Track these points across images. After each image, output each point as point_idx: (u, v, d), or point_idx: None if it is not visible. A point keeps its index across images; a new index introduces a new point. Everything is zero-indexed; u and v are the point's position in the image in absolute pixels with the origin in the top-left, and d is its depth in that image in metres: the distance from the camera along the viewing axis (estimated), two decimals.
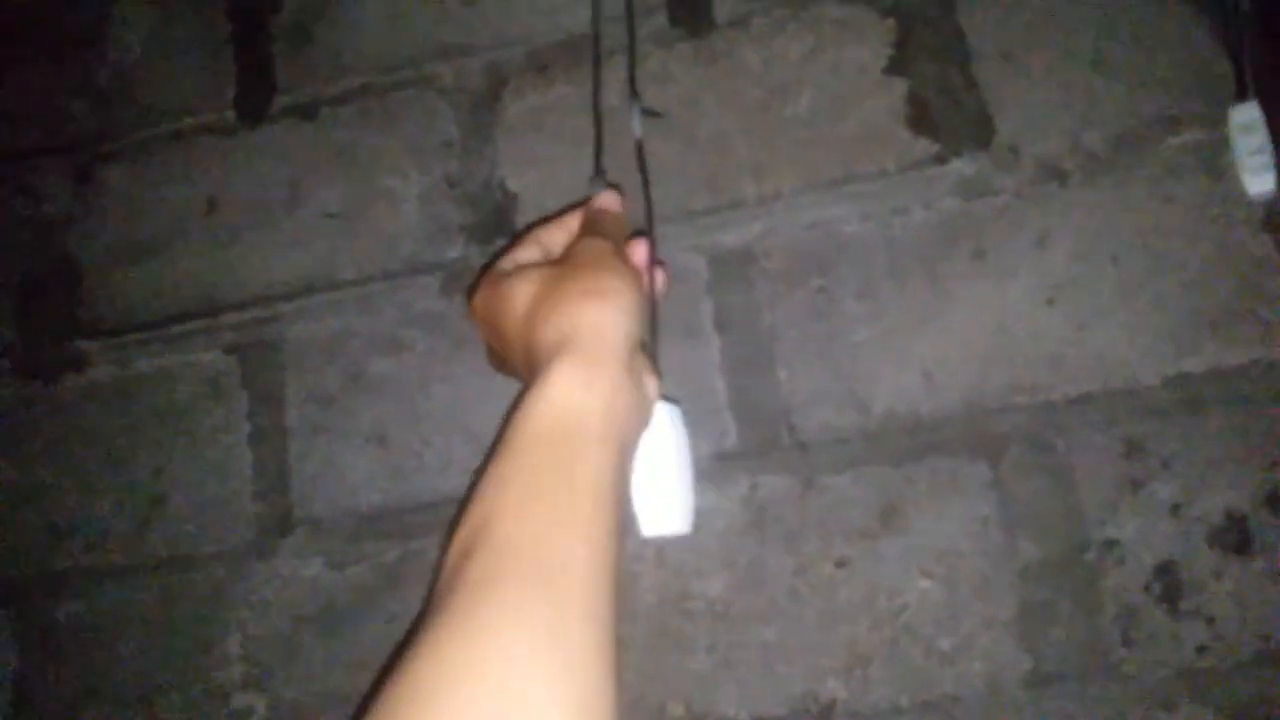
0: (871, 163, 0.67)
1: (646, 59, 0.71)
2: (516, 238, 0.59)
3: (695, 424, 0.66)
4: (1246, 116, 0.60)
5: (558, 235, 0.58)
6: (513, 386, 0.69)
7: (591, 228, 0.56)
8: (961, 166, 0.66)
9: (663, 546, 0.66)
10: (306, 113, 0.78)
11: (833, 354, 0.66)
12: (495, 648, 0.38)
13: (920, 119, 0.67)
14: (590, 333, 0.47)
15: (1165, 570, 0.60)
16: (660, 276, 0.56)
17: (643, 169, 0.61)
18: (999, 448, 0.63)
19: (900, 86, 0.68)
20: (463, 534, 0.43)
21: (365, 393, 0.72)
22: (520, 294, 0.51)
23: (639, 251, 0.55)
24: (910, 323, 0.65)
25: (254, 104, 0.79)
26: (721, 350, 0.68)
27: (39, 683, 0.73)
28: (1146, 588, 0.60)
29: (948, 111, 0.67)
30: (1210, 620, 0.59)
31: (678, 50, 0.72)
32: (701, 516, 0.66)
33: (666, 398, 0.52)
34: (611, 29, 0.73)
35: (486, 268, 0.56)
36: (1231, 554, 0.59)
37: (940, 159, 0.66)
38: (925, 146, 0.67)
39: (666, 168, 0.69)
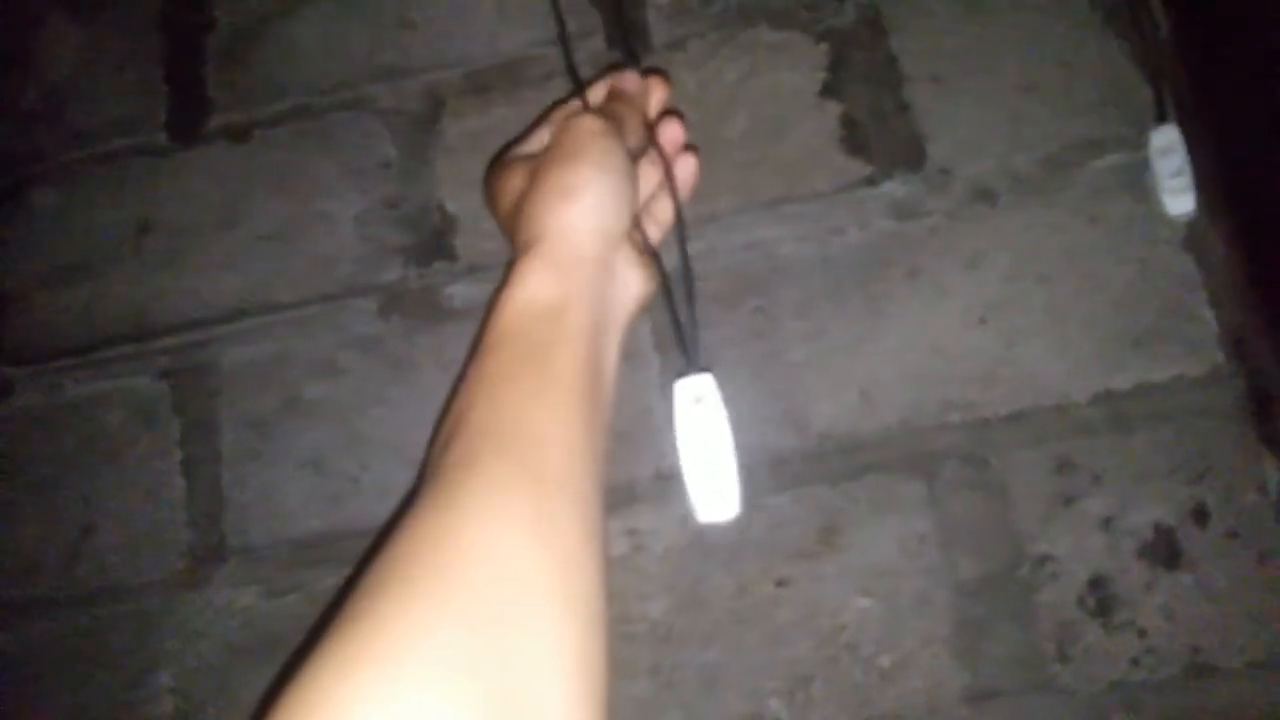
0: (807, 184, 0.68)
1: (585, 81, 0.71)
2: (542, 117, 0.60)
3: (634, 446, 0.67)
4: (1166, 139, 0.62)
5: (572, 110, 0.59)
6: None
7: (603, 107, 0.56)
8: (894, 188, 0.67)
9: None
10: (240, 134, 0.77)
11: (771, 374, 0.66)
12: (478, 522, 0.38)
13: (854, 142, 0.68)
14: (558, 233, 0.49)
15: (1098, 584, 0.61)
16: (688, 164, 0.57)
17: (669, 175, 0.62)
18: (934, 466, 0.64)
19: (834, 110, 0.69)
20: (441, 430, 0.44)
21: (301, 417, 0.71)
22: (508, 188, 0.53)
23: (666, 132, 0.57)
24: (847, 342, 0.66)
25: (187, 125, 0.78)
26: (660, 371, 0.68)
27: None
28: (1080, 601, 0.61)
29: (880, 134, 0.68)
30: (1142, 633, 0.60)
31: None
32: (641, 538, 0.66)
33: (701, 369, 0.53)
34: (550, 51, 0.74)
35: (504, 151, 0.58)
36: (1161, 567, 0.60)
37: (873, 181, 0.67)
38: (859, 168, 0.68)
39: None
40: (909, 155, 0.67)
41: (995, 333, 0.64)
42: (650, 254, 0.55)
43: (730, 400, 0.64)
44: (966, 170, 0.66)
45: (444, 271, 0.72)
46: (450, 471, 0.41)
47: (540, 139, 0.57)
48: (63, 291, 0.75)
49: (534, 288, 0.47)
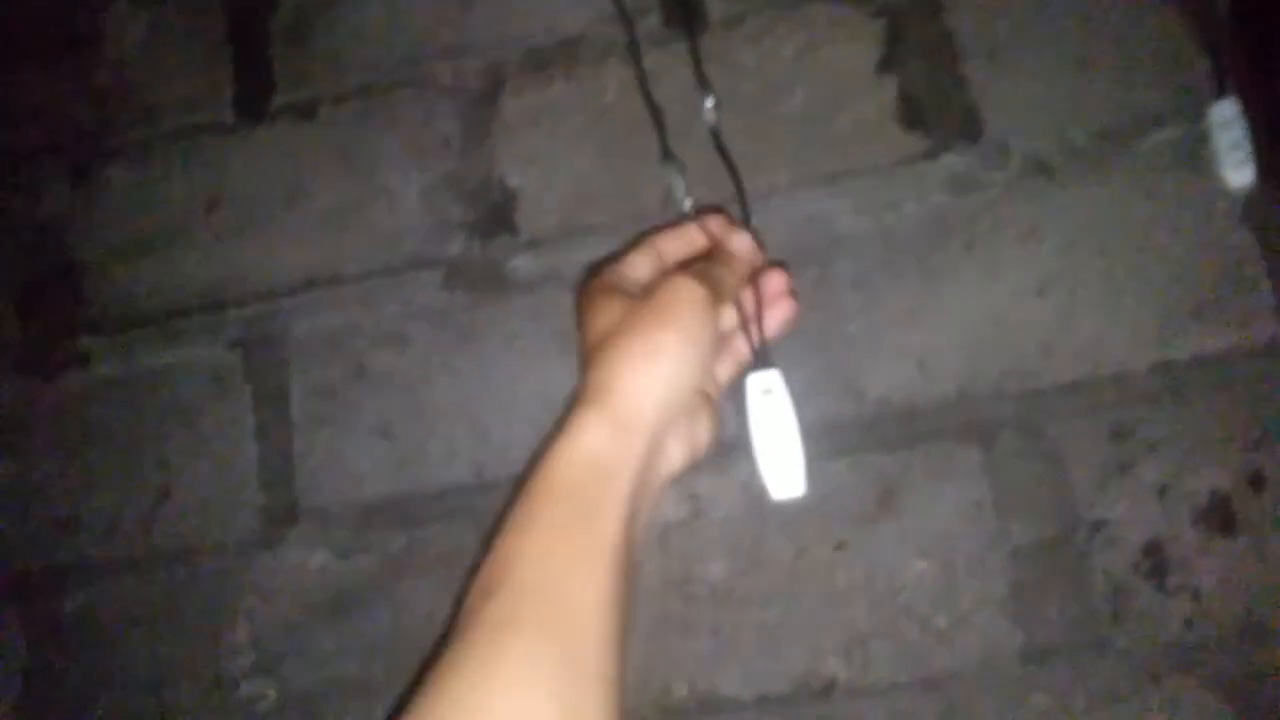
0: (864, 158, 0.69)
1: (643, 59, 0.73)
2: (637, 239, 0.61)
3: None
4: (1226, 113, 0.63)
5: (675, 246, 0.60)
6: (513, 378, 0.71)
7: (704, 258, 0.57)
8: (952, 162, 0.68)
9: (665, 533, 0.67)
10: (305, 112, 0.79)
11: (828, 344, 0.68)
12: (508, 700, 0.41)
13: (911, 116, 0.69)
14: (627, 393, 0.49)
15: (1153, 549, 0.62)
16: (782, 309, 0.58)
17: (725, 157, 0.65)
18: (991, 434, 0.65)
19: (891, 84, 0.70)
20: (485, 574, 0.45)
21: (369, 386, 0.74)
22: (600, 321, 0.53)
23: (770, 282, 0.58)
24: (904, 314, 0.67)
25: (253, 103, 0.80)
26: None
27: (49, 676, 0.73)
28: (1135, 566, 0.62)
29: (937, 109, 0.69)
30: (1196, 596, 0.61)
31: (673, 50, 0.74)
32: (701, 503, 0.68)
33: (769, 364, 0.58)
34: (608, 29, 0.75)
35: (600, 264, 0.60)
36: (1216, 532, 0.61)
37: (931, 155, 0.68)
38: (916, 143, 0.69)
39: (659, 166, 0.71)
40: (966, 129, 0.68)
41: (1052, 304, 0.65)
42: (715, 405, 0.57)
43: (788, 370, 0.66)
44: (1023, 144, 0.67)
45: (506, 245, 0.74)
46: (490, 634, 0.42)
47: (641, 266, 0.58)
48: (137, 264, 0.78)
49: (591, 443, 0.48)
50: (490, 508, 0.69)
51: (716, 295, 0.54)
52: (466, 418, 0.72)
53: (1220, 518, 0.62)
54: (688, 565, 0.67)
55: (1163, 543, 0.62)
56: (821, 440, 0.67)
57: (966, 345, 0.66)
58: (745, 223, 0.64)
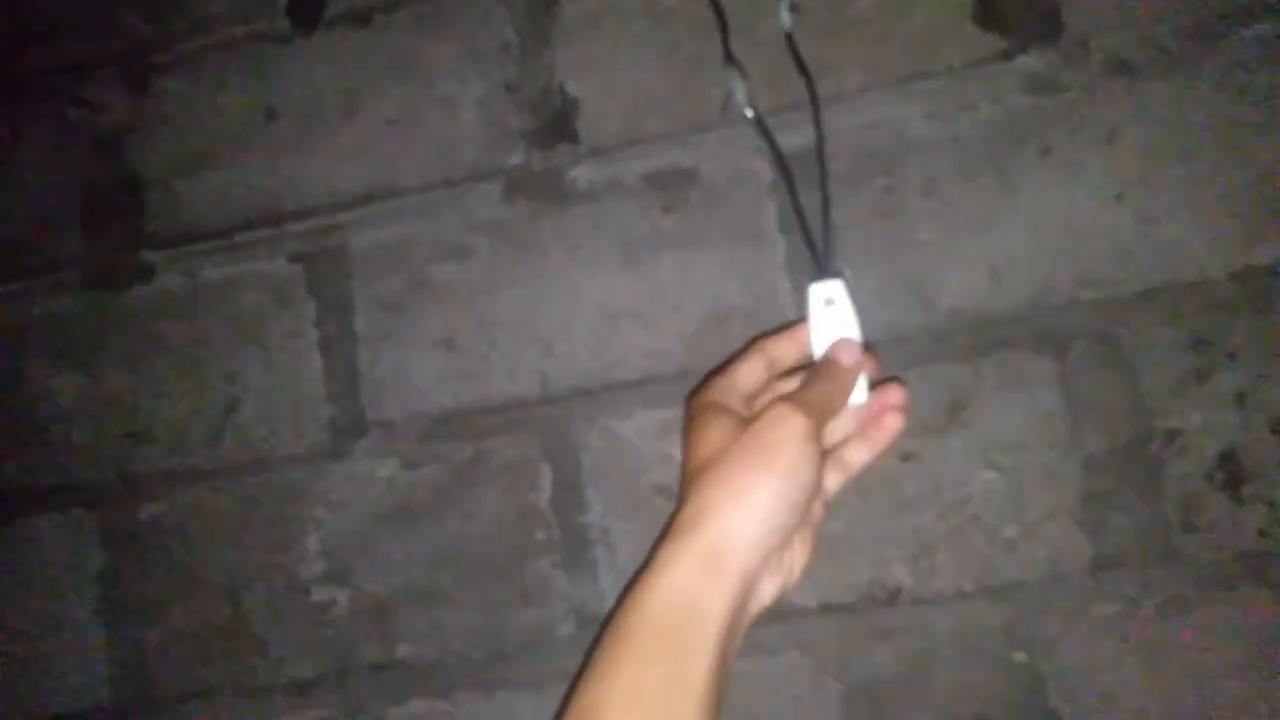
0: (937, 60, 0.67)
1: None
2: (748, 344, 0.59)
3: (761, 325, 0.68)
4: None
5: (787, 349, 0.59)
6: (575, 288, 0.71)
7: (814, 393, 0.54)
8: (1029, 62, 0.66)
9: None
10: (360, 19, 0.77)
11: (898, 253, 0.67)
12: None
13: (987, 14, 0.67)
14: (722, 533, 0.48)
15: (1227, 459, 0.61)
16: (896, 422, 0.57)
17: (802, 68, 0.64)
18: (1065, 343, 0.64)
19: None
20: (577, 708, 0.45)
21: (431, 298, 0.74)
22: (702, 443, 0.52)
23: (887, 395, 0.57)
24: (976, 221, 0.66)
25: (307, 11, 0.78)
26: (786, 252, 0.68)
27: (126, 580, 0.76)
28: (1209, 476, 0.61)
29: (1015, 7, 0.66)
30: (1271, 505, 0.60)
31: None
32: None
33: (833, 273, 0.58)
34: None
35: (710, 374, 0.58)
36: None
37: (1007, 55, 0.66)
38: (992, 42, 0.66)
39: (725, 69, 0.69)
40: (1045, 27, 0.65)
41: (1131, 209, 0.63)
42: (815, 529, 0.55)
43: (857, 278, 0.65)
44: (1105, 42, 0.65)
45: (567, 154, 0.72)
46: None
47: (751, 376, 0.57)
48: (196, 177, 0.78)
49: (681, 581, 0.47)
50: (553, 419, 0.70)
51: (821, 418, 0.52)
52: (529, 329, 0.72)
53: None
54: None
55: (1238, 452, 0.61)
56: (891, 350, 0.66)
57: (1041, 253, 0.65)
58: (818, 134, 0.62)
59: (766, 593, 0.51)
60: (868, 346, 0.57)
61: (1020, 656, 0.64)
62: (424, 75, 0.75)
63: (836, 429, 0.57)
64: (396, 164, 0.75)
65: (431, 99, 0.75)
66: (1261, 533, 0.61)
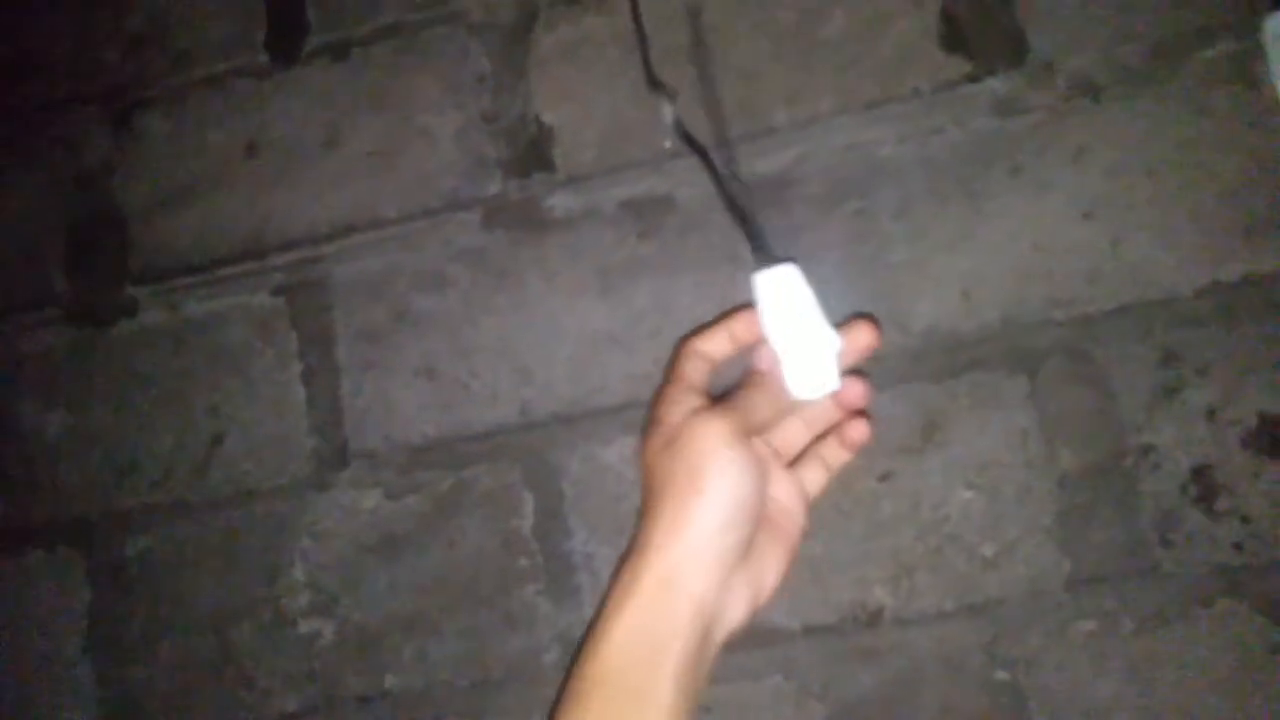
0: (906, 84, 0.68)
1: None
2: (677, 355, 0.57)
3: None
4: None
5: (720, 344, 0.56)
6: (553, 315, 0.71)
7: (735, 399, 0.52)
8: (996, 85, 0.66)
9: None
10: (339, 53, 0.78)
11: (872, 275, 0.67)
12: None
13: (953, 38, 0.68)
14: (666, 566, 0.48)
15: (1201, 473, 0.62)
16: (859, 429, 0.55)
17: (694, 145, 0.62)
18: (1037, 361, 0.64)
19: (933, 6, 0.68)
20: None
21: (412, 328, 0.74)
22: (647, 472, 0.51)
23: (848, 394, 0.54)
24: (948, 241, 0.66)
25: (286, 46, 0.79)
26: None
27: (114, 618, 0.76)
28: (1183, 489, 0.62)
29: (981, 30, 0.67)
30: (1246, 519, 0.61)
31: None
32: None
33: (783, 259, 0.54)
34: None
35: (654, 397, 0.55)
36: (1266, 455, 0.61)
37: (974, 78, 0.67)
38: (959, 66, 0.67)
39: (700, 95, 0.70)
40: (1010, 50, 0.66)
41: (1100, 228, 0.64)
42: (788, 534, 0.54)
43: (832, 302, 0.66)
44: (1070, 64, 0.65)
45: (544, 182, 0.73)
46: None
47: (684, 400, 0.53)
48: (179, 213, 0.78)
49: (635, 618, 0.47)
50: (534, 446, 0.71)
51: (744, 420, 0.50)
52: (509, 357, 0.72)
53: (1269, 440, 0.61)
54: None
55: (1211, 466, 0.62)
56: (867, 371, 0.67)
57: (1012, 272, 0.65)
58: (726, 185, 0.61)
59: (735, 613, 0.50)
60: (866, 323, 0.55)
61: (1003, 675, 0.64)
62: (402, 107, 0.76)
63: (818, 419, 0.57)
64: (376, 195, 0.76)
65: (410, 131, 0.76)
66: (1237, 546, 0.61)
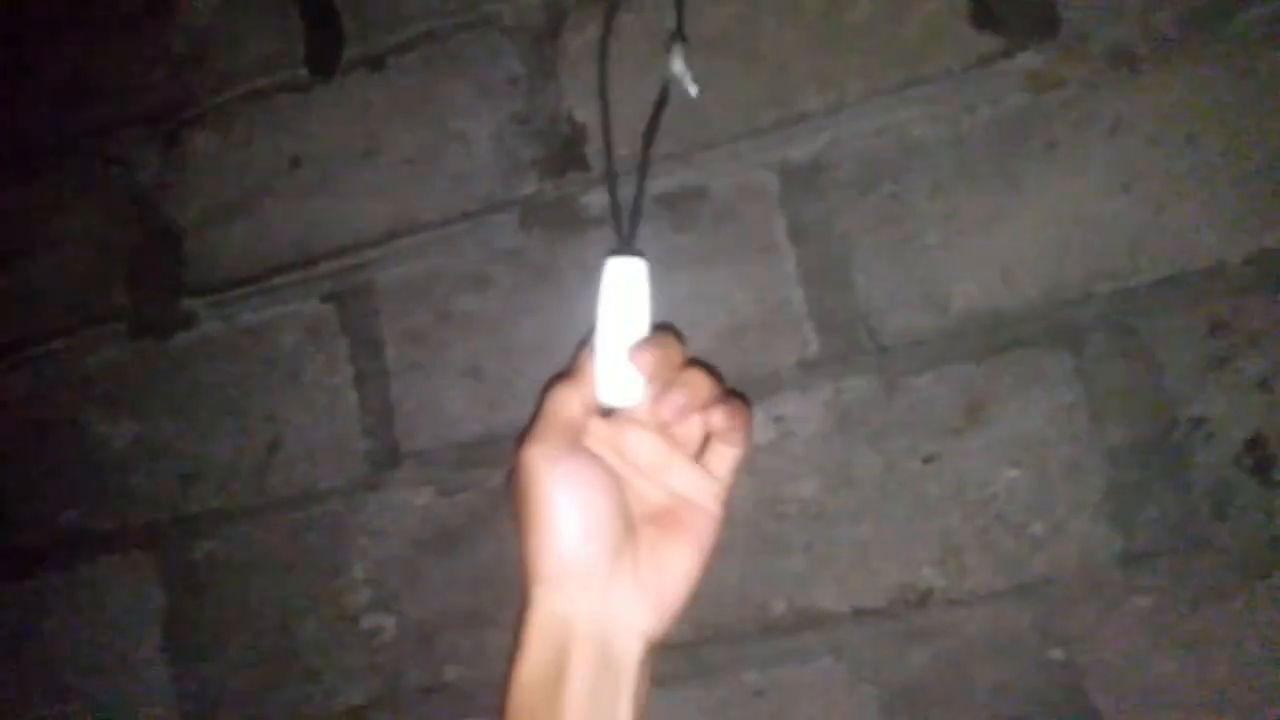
0: (936, 63, 0.67)
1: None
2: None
3: (776, 335, 0.69)
4: None
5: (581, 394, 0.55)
6: (592, 312, 0.72)
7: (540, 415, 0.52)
8: (1028, 59, 0.66)
9: (753, 456, 0.68)
10: (374, 64, 0.80)
11: (908, 257, 0.67)
12: None
13: (983, 15, 0.67)
14: (538, 592, 0.49)
15: (1256, 443, 0.61)
16: (719, 417, 0.53)
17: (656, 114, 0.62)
18: (1081, 337, 0.64)
19: None
20: None
21: (456, 329, 0.76)
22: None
23: (662, 406, 0.51)
24: (984, 220, 0.66)
25: (324, 59, 0.81)
26: (797, 261, 0.69)
27: (185, 618, 0.79)
28: (1237, 461, 0.61)
29: (1011, 4, 0.66)
30: None
31: None
32: (788, 424, 0.68)
33: (631, 253, 0.53)
34: None
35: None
36: None
37: (1006, 53, 0.66)
38: (989, 42, 0.66)
39: (729, 86, 0.70)
40: (1042, 23, 0.65)
41: (1141, 199, 0.63)
42: (691, 509, 0.53)
43: (868, 286, 0.66)
44: (1104, 34, 0.64)
45: (578, 181, 0.74)
46: None
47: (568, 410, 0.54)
48: (230, 226, 0.81)
49: (529, 655, 0.48)
50: None
51: (562, 433, 0.51)
52: (550, 354, 0.73)
53: None
54: (777, 485, 0.68)
55: (1266, 436, 0.61)
56: (906, 354, 0.67)
57: (1051, 248, 0.64)
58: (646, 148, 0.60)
59: (636, 620, 0.50)
60: (662, 339, 0.54)
61: (1057, 654, 0.63)
62: (438, 113, 0.78)
63: (692, 425, 0.55)
64: (416, 201, 0.77)
65: (446, 136, 0.77)
66: None
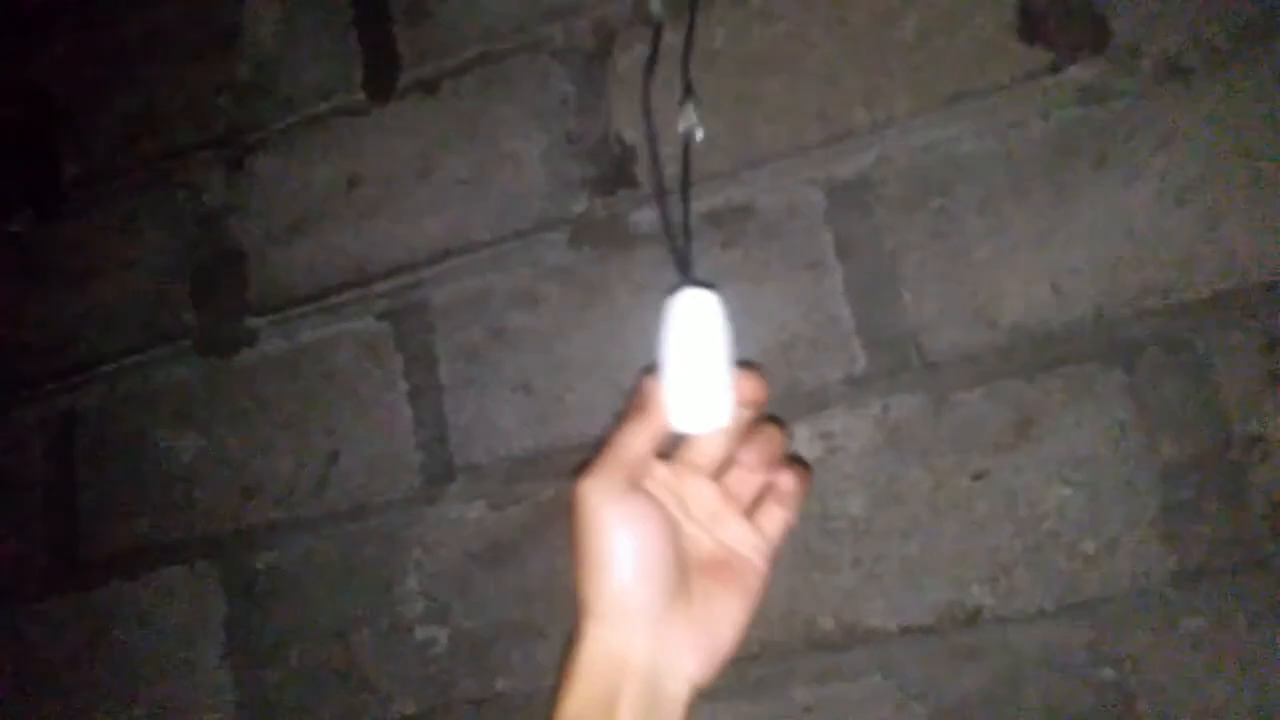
0: (985, 78, 0.67)
1: None
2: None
3: (824, 352, 0.69)
4: None
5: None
6: (642, 328, 0.73)
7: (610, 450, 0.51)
8: (1078, 73, 0.65)
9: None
10: (430, 87, 0.82)
11: (957, 273, 0.67)
12: None
13: (1032, 28, 0.67)
14: (586, 635, 0.49)
15: None
16: (787, 481, 0.54)
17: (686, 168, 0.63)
18: (1134, 352, 0.63)
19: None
20: None
21: (508, 346, 0.77)
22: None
23: (746, 455, 0.52)
24: (1034, 235, 0.66)
25: (381, 83, 0.84)
26: (845, 278, 0.69)
27: (247, 627, 0.81)
28: None
29: (1060, 18, 0.66)
30: None
31: None
32: (836, 439, 0.69)
33: (703, 284, 0.53)
34: None
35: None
36: None
37: (1056, 67, 0.66)
38: (1039, 56, 0.66)
39: (777, 103, 0.71)
40: (1092, 37, 0.65)
41: (1194, 212, 0.62)
42: (738, 569, 0.53)
43: (917, 301, 0.66)
44: (1155, 47, 0.64)
45: (627, 199, 0.75)
46: None
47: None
48: (290, 247, 0.84)
49: (579, 690, 0.47)
50: None
51: (622, 472, 0.50)
52: (601, 370, 0.74)
53: None
54: (825, 501, 0.68)
55: None
56: (955, 370, 0.66)
57: (1103, 263, 0.64)
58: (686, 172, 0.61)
59: (685, 664, 0.50)
60: (749, 368, 0.54)
61: (1109, 673, 0.63)
62: (490, 135, 0.80)
63: (747, 481, 0.55)
64: (469, 220, 0.79)
65: (499, 156, 0.79)
66: None
